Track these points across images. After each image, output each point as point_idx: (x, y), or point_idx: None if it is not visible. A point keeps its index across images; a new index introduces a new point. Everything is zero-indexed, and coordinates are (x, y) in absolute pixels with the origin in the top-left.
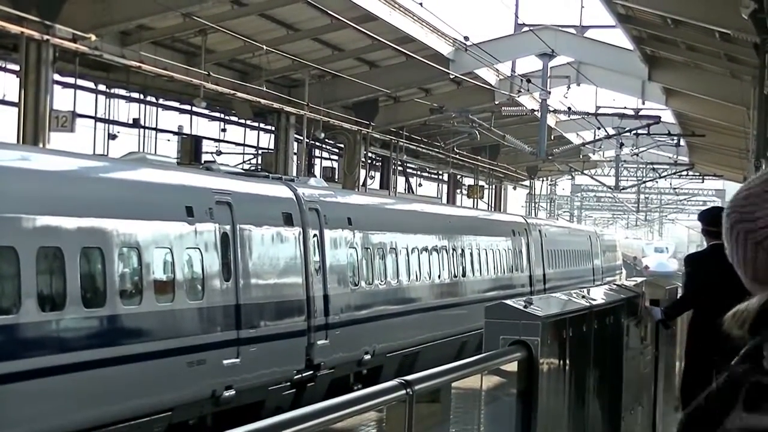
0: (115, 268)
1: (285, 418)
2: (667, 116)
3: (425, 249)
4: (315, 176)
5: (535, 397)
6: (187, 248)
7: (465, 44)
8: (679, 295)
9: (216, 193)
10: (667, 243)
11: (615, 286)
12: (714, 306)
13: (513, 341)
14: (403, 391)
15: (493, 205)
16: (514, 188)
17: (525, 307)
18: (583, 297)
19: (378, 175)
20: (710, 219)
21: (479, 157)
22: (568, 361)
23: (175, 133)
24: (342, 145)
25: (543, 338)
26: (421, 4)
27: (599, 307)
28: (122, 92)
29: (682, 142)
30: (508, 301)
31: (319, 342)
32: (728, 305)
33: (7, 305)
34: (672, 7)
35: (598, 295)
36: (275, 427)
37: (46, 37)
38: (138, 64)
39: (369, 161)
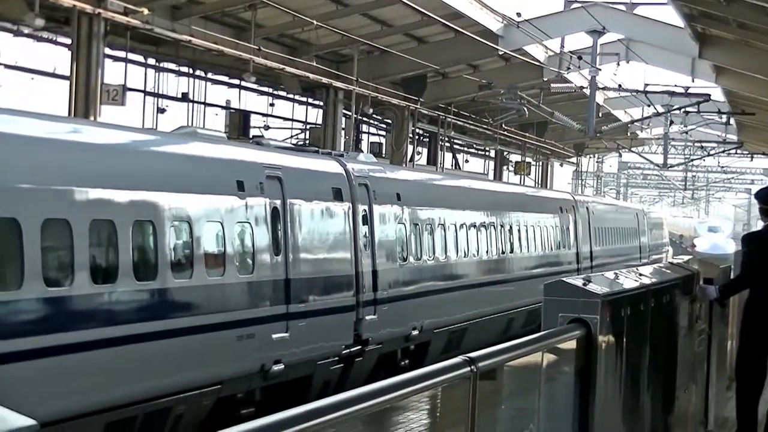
0: (166, 241)
1: (357, 394)
2: (717, 94)
3: (473, 225)
4: (363, 152)
5: (594, 375)
6: (238, 222)
7: (516, 21)
8: (735, 274)
9: (267, 167)
10: (723, 222)
11: (669, 264)
12: None
13: (572, 319)
14: (468, 368)
15: (540, 182)
16: (561, 165)
17: (584, 284)
18: (640, 275)
19: (425, 151)
20: None
21: (527, 134)
22: (625, 340)
23: (223, 108)
24: (389, 121)
25: (602, 316)
26: None
27: (655, 286)
28: (171, 66)
29: (731, 121)
30: (567, 279)
31: (367, 317)
32: None
33: (58, 277)
34: None
35: (654, 273)
36: (349, 402)
37: (98, 10)
38: (188, 38)
39: (416, 137)
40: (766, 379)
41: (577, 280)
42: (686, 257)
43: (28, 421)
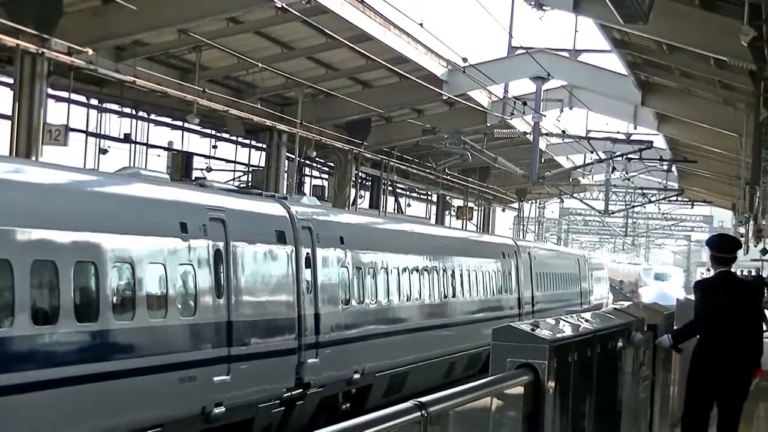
0: (108, 282)
1: None
2: (659, 142)
3: (416, 269)
4: (306, 194)
5: (542, 420)
6: (181, 264)
7: (461, 65)
8: (688, 320)
9: (210, 209)
10: (672, 269)
11: (613, 310)
12: (722, 333)
13: (520, 364)
14: (418, 413)
15: (481, 227)
16: (503, 210)
17: (532, 330)
18: (586, 320)
19: (368, 194)
20: (722, 245)
21: (469, 179)
22: (572, 385)
23: (165, 149)
24: (333, 164)
25: (550, 362)
26: (421, 24)
27: (601, 331)
28: (115, 107)
29: (673, 168)
30: (516, 324)
31: (309, 360)
32: (737, 333)
33: None
34: (669, 33)
35: (599, 319)
36: None
37: (41, 50)
38: (132, 79)
39: (360, 181)
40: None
41: (525, 326)
42: (626, 303)
43: None
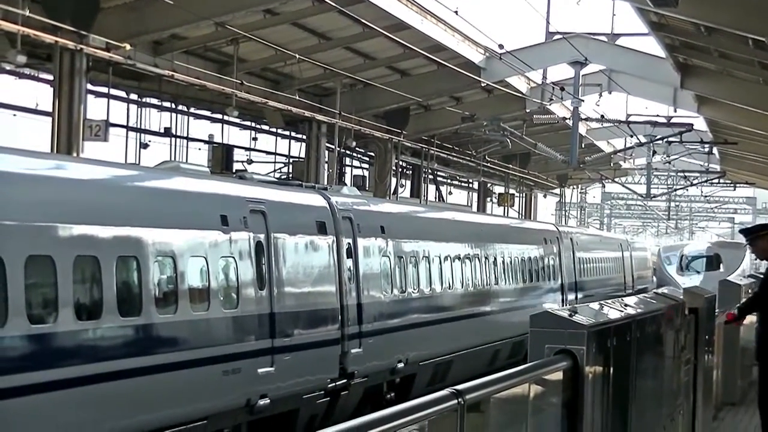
0: (150, 276)
1: (344, 428)
2: (700, 124)
3: (457, 257)
4: (346, 185)
5: (581, 406)
6: (222, 257)
7: (498, 52)
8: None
9: (250, 201)
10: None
11: (654, 294)
12: None
13: (558, 350)
14: (455, 401)
15: (523, 213)
16: (545, 196)
17: (570, 315)
18: (625, 305)
19: (409, 183)
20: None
21: (510, 165)
22: (611, 371)
23: (206, 142)
24: (373, 154)
25: (588, 347)
26: (456, 12)
27: (641, 316)
28: (154, 101)
29: (714, 150)
30: (554, 310)
31: (352, 350)
32: None
33: (42, 314)
34: (706, 15)
35: (639, 304)
36: None
37: (80, 46)
38: (171, 73)
39: (400, 169)
40: None
41: (563, 311)
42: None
43: None
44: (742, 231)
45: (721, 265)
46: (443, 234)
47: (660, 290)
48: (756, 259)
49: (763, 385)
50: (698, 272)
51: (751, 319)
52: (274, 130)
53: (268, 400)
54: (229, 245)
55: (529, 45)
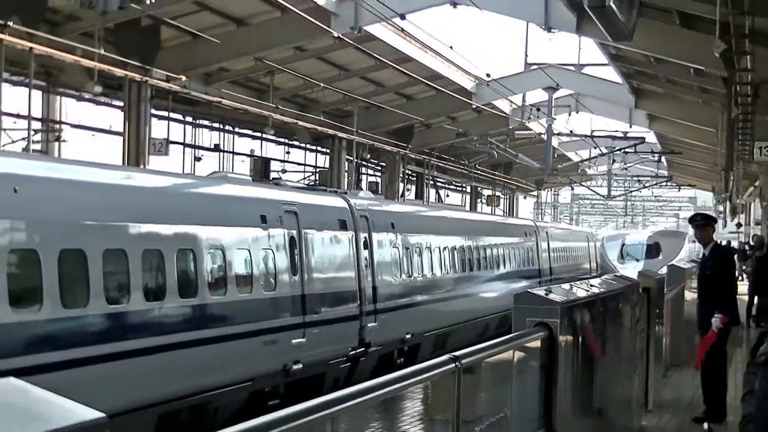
0: (204, 265)
1: (363, 388)
2: (650, 137)
3: (454, 248)
4: (363, 189)
5: (556, 368)
6: (262, 249)
7: (486, 80)
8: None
9: (285, 203)
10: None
11: (614, 277)
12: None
13: (537, 323)
14: (453, 365)
15: (507, 212)
16: (525, 197)
17: (546, 294)
18: (591, 286)
19: (413, 187)
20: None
21: (496, 173)
22: (580, 339)
23: (248, 156)
24: (384, 164)
25: (561, 320)
26: (451, 47)
27: (603, 294)
28: (206, 123)
29: (662, 159)
30: (532, 290)
31: (369, 325)
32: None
33: (117, 296)
34: (655, 48)
35: (602, 284)
36: (357, 394)
37: (145, 78)
38: (219, 99)
39: (406, 176)
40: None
41: (540, 291)
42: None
43: (98, 414)
44: (690, 219)
45: (661, 254)
46: (442, 229)
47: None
48: (695, 242)
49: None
50: (637, 260)
51: (692, 296)
52: (303, 145)
53: (301, 365)
54: (268, 239)
55: (511, 74)
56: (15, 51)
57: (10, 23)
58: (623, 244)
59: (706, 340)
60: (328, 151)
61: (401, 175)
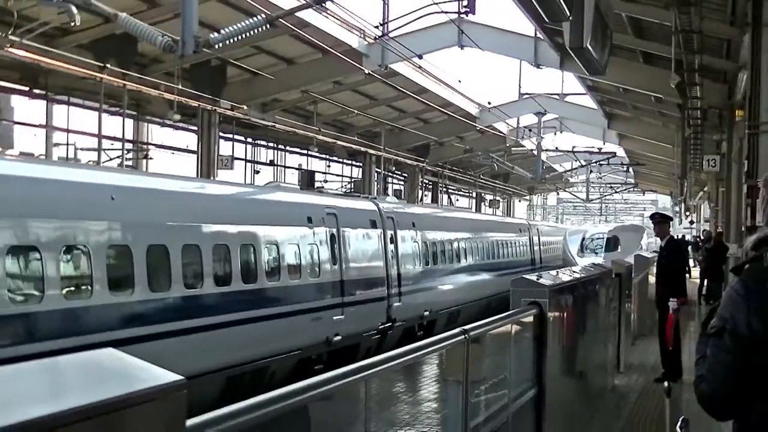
0: (262, 257)
1: (390, 355)
2: (621, 152)
3: (463, 242)
4: (389, 195)
5: (545, 339)
6: (308, 244)
7: (488, 107)
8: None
9: (326, 207)
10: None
11: (592, 264)
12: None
13: (530, 302)
14: (463, 336)
15: (506, 213)
16: (519, 201)
17: (537, 279)
18: (573, 272)
19: (430, 194)
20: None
21: (497, 181)
22: (565, 315)
23: (296, 169)
24: (406, 175)
25: (550, 300)
26: (459, 81)
27: (584, 278)
28: (263, 143)
29: (630, 169)
30: (526, 276)
31: (395, 304)
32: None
33: (192, 282)
34: (624, 80)
35: (583, 271)
36: (387, 360)
37: (214, 107)
38: (273, 124)
39: (424, 185)
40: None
41: (532, 277)
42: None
43: (177, 377)
44: (650, 216)
45: (619, 247)
46: (453, 227)
47: (596, 262)
48: (656, 236)
49: (660, 323)
50: (596, 253)
51: (654, 279)
52: (341, 160)
53: (340, 337)
54: (313, 236)
55: (508, 102)
56: (112, 87)
57: (108, 65)
58: (584, 238)
59: (669, 322)
60: (361, 164)
61: (420, 184)
